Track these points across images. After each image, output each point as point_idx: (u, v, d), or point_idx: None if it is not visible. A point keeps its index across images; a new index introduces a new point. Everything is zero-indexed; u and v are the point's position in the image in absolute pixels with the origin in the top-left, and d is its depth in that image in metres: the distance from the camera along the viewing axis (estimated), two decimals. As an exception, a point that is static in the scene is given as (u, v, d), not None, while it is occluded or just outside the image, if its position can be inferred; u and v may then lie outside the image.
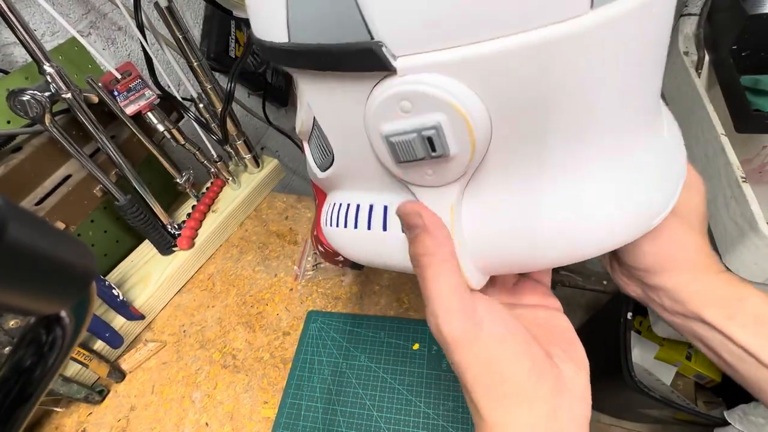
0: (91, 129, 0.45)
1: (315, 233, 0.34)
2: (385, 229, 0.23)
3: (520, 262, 0.21)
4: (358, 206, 0.24)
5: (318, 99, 0.20)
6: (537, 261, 0.21)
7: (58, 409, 0.48)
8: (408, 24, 0.15)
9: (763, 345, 0.21)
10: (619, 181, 0.19)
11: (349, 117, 0.19)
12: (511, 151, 0.18)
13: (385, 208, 0.23)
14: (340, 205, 0.26)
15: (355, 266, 0.36)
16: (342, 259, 0.34)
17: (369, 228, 0.24)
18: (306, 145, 0.27)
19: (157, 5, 0.44)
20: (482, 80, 0.16)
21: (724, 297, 0.23)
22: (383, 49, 0.15)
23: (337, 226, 0.26)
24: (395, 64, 0.16)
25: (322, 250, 0.33)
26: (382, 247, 0.24)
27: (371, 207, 0.24)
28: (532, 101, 0.16)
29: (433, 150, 0.17)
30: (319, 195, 0.32)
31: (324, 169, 0.25)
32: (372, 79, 0.17)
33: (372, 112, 0.18)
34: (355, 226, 0.24)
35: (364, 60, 0.16)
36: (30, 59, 0.40)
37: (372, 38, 0.15)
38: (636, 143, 0.20)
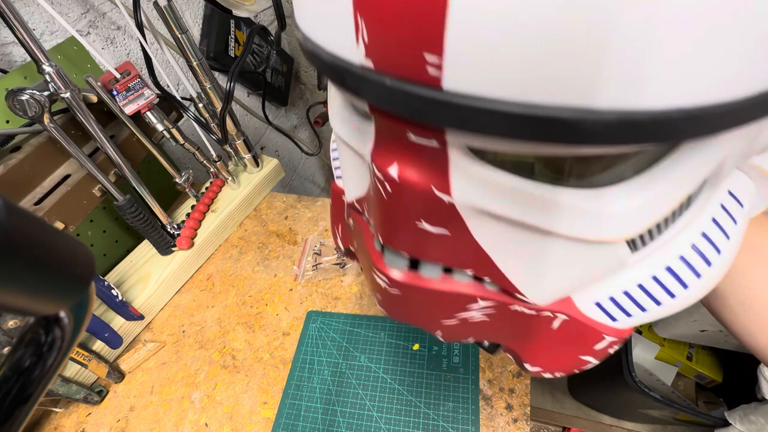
0: (90, 128, 0.45)
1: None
2: None
3: None
4: None
5: None
6: None
7: (57, 410, 0.48)
8: None
9: None
10: None
11: None
12: None
13: None
14: None
15: None
16: None
17: None
18: None
19: (156, 4, 0.44)
20: None
21: None
22: None
23: None
24: None
25: None
26: None
27: None
28: None
29: None
30: None
31: None
32: None
33: None
34: None
35: None
36: (29, 58, 0.40)
37: None
38: None
